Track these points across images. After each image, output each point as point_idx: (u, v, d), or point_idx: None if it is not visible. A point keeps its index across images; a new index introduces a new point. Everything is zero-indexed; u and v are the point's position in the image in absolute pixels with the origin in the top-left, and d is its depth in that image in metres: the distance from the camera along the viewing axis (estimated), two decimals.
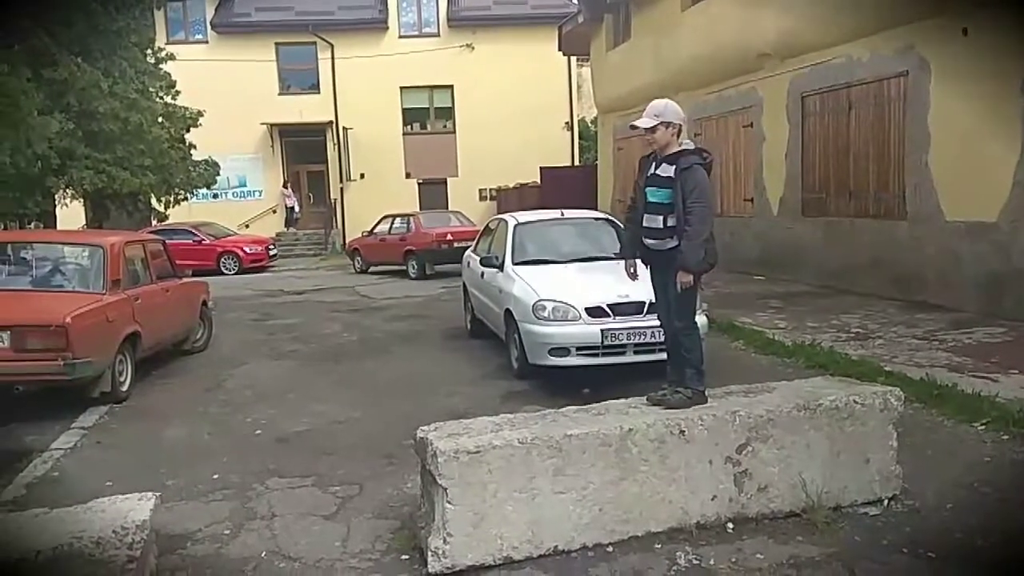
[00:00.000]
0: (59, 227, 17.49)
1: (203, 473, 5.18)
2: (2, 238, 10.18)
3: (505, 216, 9.43)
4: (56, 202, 16.50)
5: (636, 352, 6.82)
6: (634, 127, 4.59)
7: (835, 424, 4.18)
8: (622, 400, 4.38)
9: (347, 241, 26.65)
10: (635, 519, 3.88)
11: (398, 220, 19.10)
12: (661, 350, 6.83)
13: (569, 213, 9.21)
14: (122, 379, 7.22)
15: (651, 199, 4.48)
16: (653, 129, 4.41)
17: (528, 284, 7.35)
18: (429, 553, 3.61)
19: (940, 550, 3.72)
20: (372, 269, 19.50)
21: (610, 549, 3.79)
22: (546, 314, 6.92)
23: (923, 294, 9.87)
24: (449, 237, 16.82)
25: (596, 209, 15.27)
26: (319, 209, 28.07)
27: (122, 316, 7.31)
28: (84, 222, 19.69)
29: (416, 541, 3.88)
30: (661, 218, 4.43)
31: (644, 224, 4.58)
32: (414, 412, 6.21)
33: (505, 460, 3.68)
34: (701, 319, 7.19)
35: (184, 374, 8.45)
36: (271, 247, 22.97)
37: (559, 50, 22.77)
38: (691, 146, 4.48)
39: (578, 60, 26.71)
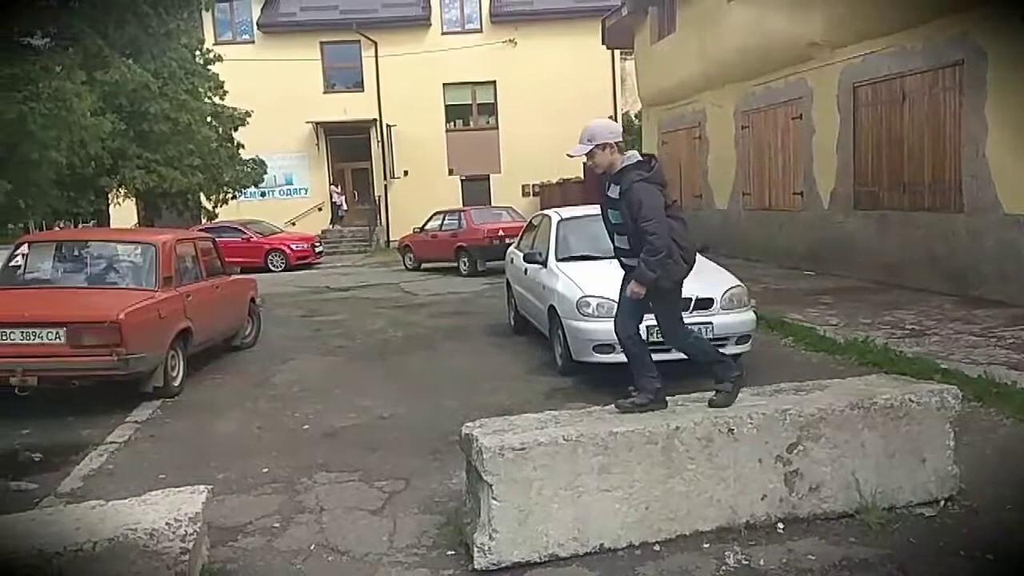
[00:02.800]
0: (112, 225, 17.99)
1: (253, 467, 5.26)
2: (58, 237, 10.47)
3: (548, 212, 9.39)
4: (109, 201, 16.95)
5: None
6: (570, 156, 4.51)
7: (890, 423, 4.07)
8: (668, 397, 4.32)
9: (393, 238, 26.96)
10: (682, 518, 3.83)
11: (449, 216, 19.09)
12: None
13: None
14: (174, 374, 7.38)
15: (612, 220, 4.39)
16: (590, 154, 4.27)
17: (572, 280, 7.31)
18: (475, 549, 3.62)
19: (998, 552, 3.60)
20: (424, 266, 19.44)
21: (657, 548, 3.75)
22: (590, 310, 6.87)
23: (980, 289, 9.58)
24: (500, 233, 16.63)
25: None
26: (363, 206, 28.36)
27: (174, 312, 7.46)
28: (136, 220, 20.18)
29: (462, 537, 3.89)
30: (625, 237, 4.33)
31: (615, 244, 4.51)
32: (458, 408, 6.24)
33: (550, 457, 3.66)
34: (748, 315, 7.12)
35: (234, 369, 8.60)
36: (317, 244, 23.26)
37: (602, 43, 22.61)
38: (634, 159, 4.28)
39: (622, 53, 26.52)
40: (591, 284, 7.13)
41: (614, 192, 4.27)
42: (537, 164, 26.10)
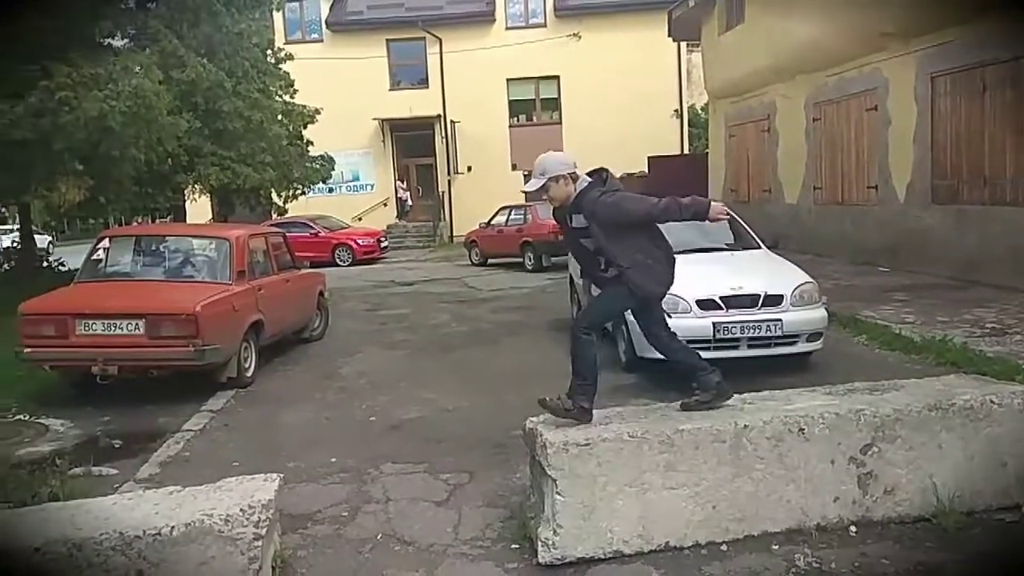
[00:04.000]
0: (188, 221, 18.60)
1: (322, 457, 5.38)
2: (137, 231, 10.87)
3: None
4: (185, 197, 17.50)
5: (751, 346, 6.63)
6: (525, 193, 4.40)
7: (969, 425, 3.92)
8: (736, 396, 4.24)
9: (457, 233, 27.15)
10: (751, 518, 3.76)
11: (515, 211, 19.09)
12: (778, 344, 6.68)
13: None
14: (247, 365, 7.59)
15: (589, 248, 4.21)
16: (544, 188, 4.12)
17: None
18: (539, 543, 3.63)
19: None
20: (490, 261, 19.44)
21: (724, 548, 3.70)
22: None
23: None
24: None
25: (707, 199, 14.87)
26: (427, 202, 28.64)
27: (247, 305, 7.68)
28: (211, 216, 20.80)
29: (526, 531, 3.90)
30: (601, 259, 4.19)
31: (591, 272, 4.38)
32: (521, 402, 6.22)
33: (615, 453, 3.64)
34: (819, 312, 6.94)
35: (303, 361, 8.80)
36: (382, 239, 23.60)
37: (668, 35, 22.28)
38: (586, 182, 4.14)
39: (688, 45, 26.09)
40: None
41: (579, 221, 4.12)
42: (601, 159, 25.25)
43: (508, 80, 27.76)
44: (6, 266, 14.36)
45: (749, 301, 6.68)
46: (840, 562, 3.55)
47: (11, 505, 3.96)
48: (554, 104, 28.43)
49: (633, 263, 4.04)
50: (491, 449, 5.36)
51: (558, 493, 3.58)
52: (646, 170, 23.39)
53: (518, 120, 28.53)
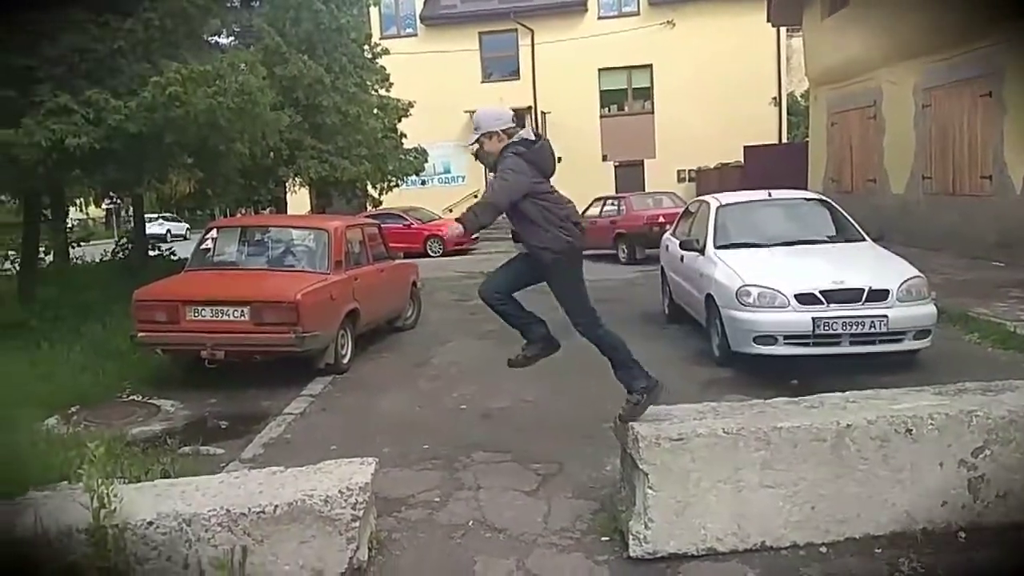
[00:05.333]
0: (289, 212, 19.24)
1: (414, 443, 5.50)
2: (242, 223, 11.33)
3: (706, 197, 9.13)
4: (286, 189, 18.13)
5: (852, 343, 6.38)
6: (466, 147, 4.42)
7: None
8: (838, 393, 4.10)
9: None
10: (852, 520, 3.63)
11: (609, 202, 18.89)
12: (882, 341, 6.41)
13: (777, 193, 8.74)
14: (343, 352, 7.82)
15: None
16: (480, 145, 4.07)
17: (731, 268, 7.08)
18: (630, 537, 3.60)
19: None
20: (584, 253, 19.30)
21: (824, 550, 3.58)
22: (751, 300, 6.63)
23: None
24: (660, 219, 15.91)
25: (806, 189, 14.38)
26: None
27: (344, 294, 7.90)
28: (310, 207, 21.47)
29: (616, 524, 3.88)
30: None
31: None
32: (611, 394, 6.12)
33: (709, 449, 3.57)
34: (928, 308, 6.61)
35: (396, 350, 9.00)
36: None
37: (767, 21, 21.60)
38: (519, 139, 4.07)
39: (788, 31, 25.25)
40: (752, 272, 6.88)
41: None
42: (694, 149, 25.42)
43: (600, 70, 27.54)
44: (121, 254, 15.21)
45: (852, 295, 6.43)
46: (947, 569, 3.38)
47: (126, 480, 4.20)
48: (646, 93, 28.03)
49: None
50: (580, 440, 5.35)
51: (650, 487, 3.54)
52: (742, 160, 22.82)
53: (609, 110, 28.27)
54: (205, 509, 3.49)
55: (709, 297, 7.29)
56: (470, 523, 4.13)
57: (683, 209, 10.58)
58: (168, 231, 35.83)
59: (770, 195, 8.64)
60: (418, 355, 8.60)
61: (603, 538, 3.86)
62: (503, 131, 4.05)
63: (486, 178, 28.51)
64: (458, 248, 22.32)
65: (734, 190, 10.53)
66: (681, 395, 5.74)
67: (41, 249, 11.42)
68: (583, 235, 4.45)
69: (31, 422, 5.55)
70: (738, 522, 3.58)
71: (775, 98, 26.94)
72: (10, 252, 11.43)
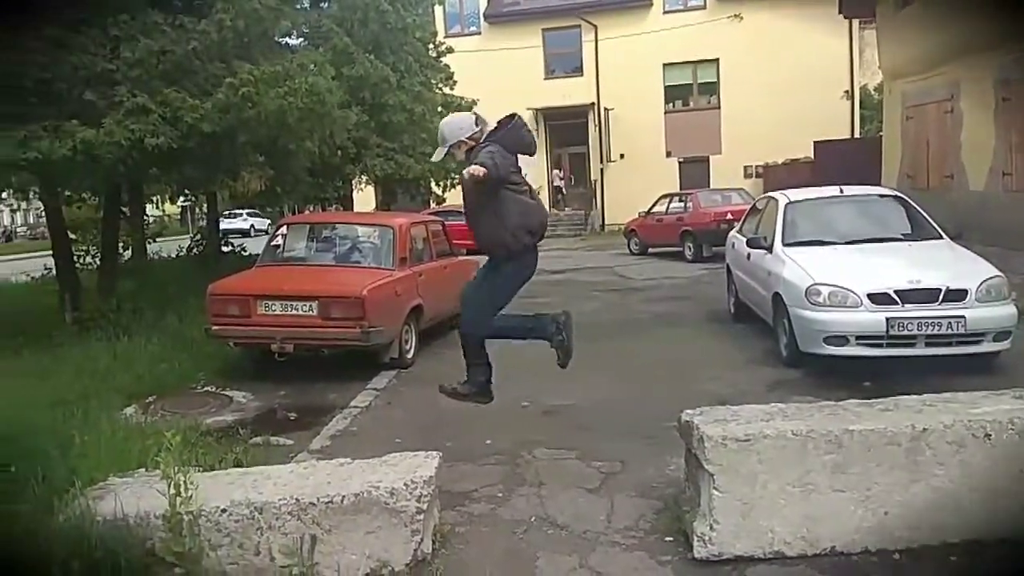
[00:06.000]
0: (355, 209, 19.59)
1: (477, 438, 5.54)
2: (310, 219, 11.58)
3: (775, 194, 8.94)
4: (353, 187, 18.46)
5: (928, 344, 6.17)
6: (435, 162, 4.35)
7: None
8: (913, 396, 3.96)
9: (609, 222, 27.02)
10: (927, 527, 3.51)
11: (676, 199, 18.64)
12: (960, 343, 6.19)
13: (848, 190, 8.50)
14: (407, 347, 7.93)
15: None
16: (452, 155, 4.17)
17: (801, 267, 6.92)
18: (695, 538, 3.56)
19: None
20: (650, 251, 19.00)
21: (897, 556, 3.47)
22: (821, 299, 6.47)
23: None
24: (729, 216, 15.52)
25: (880, 186, 13.94)
26: (579, 190, 28.66)
27: (408, 290, 8.01)
28: (375, 204, 21.82)
29: (680, 524, 3.84)
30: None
31: None
32: (674, 394, 6.14)
33: (777, 451, 3.50)
34: (1009, 309, 6.34)
35: (459, 346, 9.03)
36: None
37: (839, 13, 20.96)
38: (488, 129, 4.15)
39: (861, 23, 24.49)
40: (822, 271, 6.72)
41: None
42: (761, 144, 24.90)
43: (664, 65, 27.20)
44: (196, 250, 15.73)
45: (928, 295, 6.21)
46: None
47: (201, 469, 4.34)
48: (712, 88, 27.58)
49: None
50: (643, 439, 5.30)
51: (715, 488, 3.49)
52: (812, 156, 22.25)
53: (674, 106, 27.91)
54: (276, 498, 3.58)
55: (777, 296, 7.14)
56: (532, 519, 4.14)
57: (751, 206, 10.39)
58: (252, 226, 37.01)
59: (842, 191, 8.41)
60: None
61: (667, 538, 3.83)
62: (469, 138, 4.16)
63: (548, 174, 28.55)
64: None
65: (803, 186, 10.29)
66: (747, 396, 5.68)
67: (120, 245, 11.88)
68: (540, 237, 4.54)
69: (112, 411, 5.79)
70: (807, 526, 3.50)
71: (847, 92, 26.17)
72: (92, 247, 11.96)
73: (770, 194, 9.43)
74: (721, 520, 3.51)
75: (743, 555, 3.51)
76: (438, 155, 4.37)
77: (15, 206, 42.24)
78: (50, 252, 11.04)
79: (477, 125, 4.16)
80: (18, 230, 50.08)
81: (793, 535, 3.51)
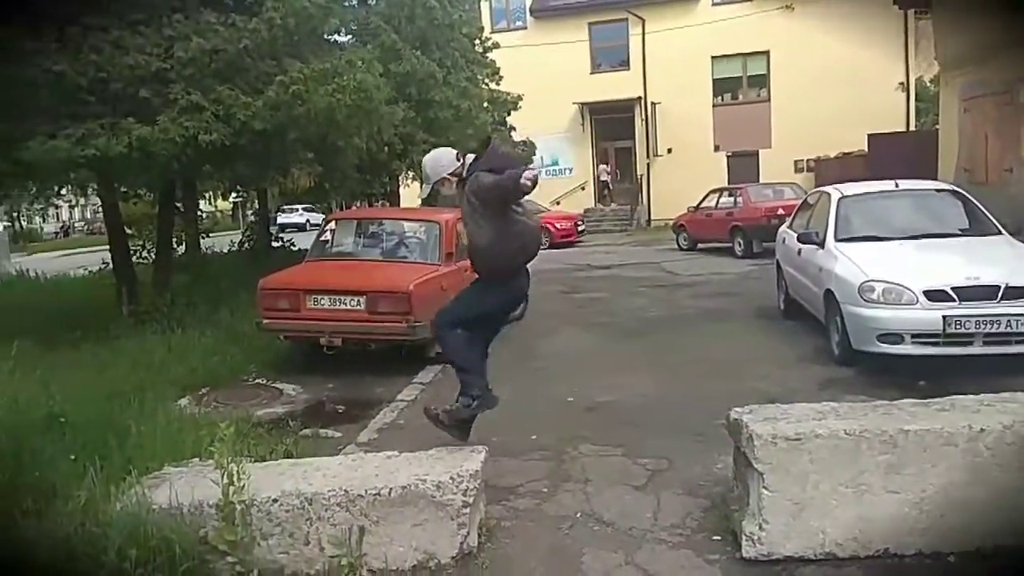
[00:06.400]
0: (401, 205, 19.77)
1: (522, 433, 5.54)
2: (358, 215, 11.71)
3: (827, 188, 8.76)
4: (399, 182, 18.61)
5: (987, 343, 5.98)
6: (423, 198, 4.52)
7: None
8: (971, 396, 3.85)
9: (655, 217, 26.78)
10: (985, 530, 3.41)
11: (725, 194, 18.35)
12: (1019, 342, 5.99)
13: (904, 184, 8.28)
14: None
15: None
16: (437, 192, 4.32)
17: (854, 263, 6.77)
18: (743, 538, 3.51)
19: None
20: (699, 246, 18.70)
21: (952, 559, 3.39)
22: (875, 296, 6.33)
23: None
24: (780, 211, 14.89)
25: (936, 180, 13.56)
26: (625, 185, 28.46)
27: (454, 285, 7.99)
28: (421, 201, 22.00)
29: (728, 523, 3.80)
30: None
31: None
32: (722, 391, 6.06)
33: (829, 451, 3.44)
34: None
35: (504, 341, 8.97)
36: (580, 223, 23.74)
37: (893, 3, 20.43)
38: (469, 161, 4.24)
39: (916, 12, 23.80)
40: (876, 267, 6.57)
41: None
42: (812, 138, 24.37)
43: (713, 58, 26.82)
44: (247, 245, 16.05)
45: (987, 293, 6.02)
46: None
47: (252, 459, 4.42)
48: (762, 81, 27.11)
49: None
50: (690, 436, 5.25)
51: (765, 488, 3.44)
52: (866, 149, 21.75)
53: (722, 99, 27.51)
54: (325, 489, 3.64)
55: (829, 293, 7.00)
56: (578, 515, 4.14)
57: (802, 200, 10.19)
58: (308, 220, 37.69)
59: (897, 185, 8.20)
60: (525, 346, 8.65)
61: (714, 537, 3.79)
62: (451, 173, 4.27)
63: (594, 169, 28.44)
64: (565, 241, 22.31)
65: (857, 180, 10.05)
66: (797, 394, 5.58)
67: (174, 240, 12.18)
68: (533, 257, 4.60)
69: (167, 402, 5.95)
70: (860, 527, 3.43)
71: (902, 83, 25.48)
72: (147, 242, 12.28)
73: (822, 188, 9.24)
74: (771, 520, 3.46)
75: (793, 556, 3.46)
76: (424, 192, 4.50)
77: (73, 202, 43.52)
78: (106, 247, 11.36)
79: (458, 160, 4.27)
80: (76, 225, 51.69)
81: (845, 536, 3.44)
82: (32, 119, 7.83)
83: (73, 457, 4.37)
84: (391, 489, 3.63)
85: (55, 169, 8.37)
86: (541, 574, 3.60)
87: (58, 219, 49.32)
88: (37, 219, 39.32)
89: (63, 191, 12.02)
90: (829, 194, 8.23)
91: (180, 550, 3.36)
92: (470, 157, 4.36)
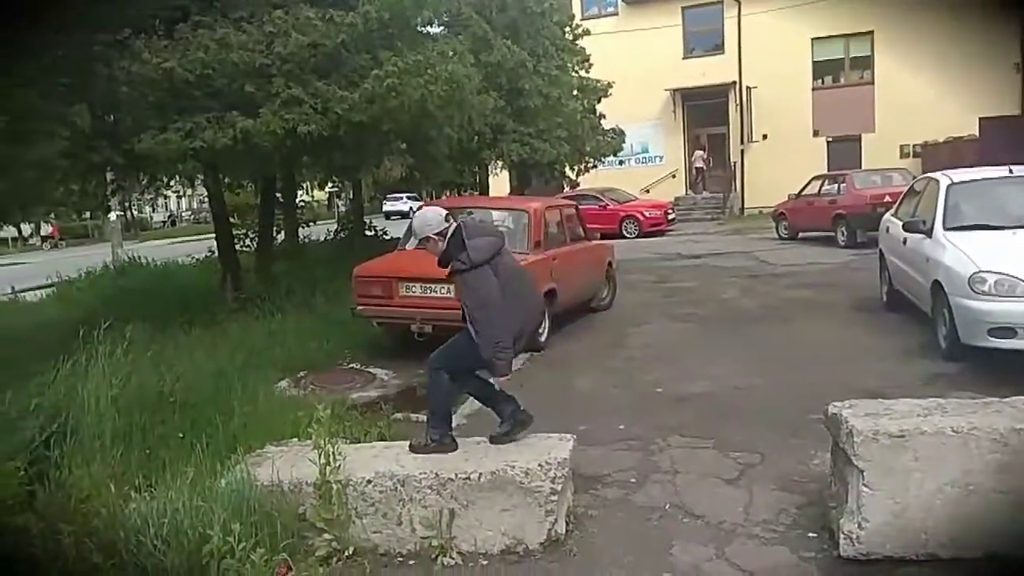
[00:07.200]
0: (490, 194, 19.93)
1: (610, 423, 5.53)
2: (448, 204, 11.86)
3: (935, 175, 8.33)
4: (488, 172, 18.74)
5: None
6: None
7: None
8: None
9: (748, 205, 26.11)
10: None
11: (828, 181, 17.65)
12: None
13: (1018, 170, 7.77)
14: (541, 331, 7.98)
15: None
16: (423, 246, 4.27)
17: (964, 253, 6.43)
18: (841, 536, 3.41)
19: None
20: (800, 235, 17.96)
21: None
22: (986, 288, 6.00)
23: None
24: (887, 199, 13.59)
25: None
26: (718, 172, 27.80)
27: (542, 274, 8.05)
28: (509, 189, 22.10)
29: (825, 521, 3.69)
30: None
31: None
32: (820, 385, 5.87)
33: (935, 449, 3.30)
34: None
35: (591, 330, 9.06)
36: (670, 211, 23.36)
37: None
38: (448, 236, 4.16)
39: None
40: (988, 258, 6.23)
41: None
42: (919, 121, 23.18)
43: (812, 40, 25.82)
44: (343, 234, 16.51)
45: None
46: None
47: (348, 441, 4.57)
48: (865, 63, 25.94)
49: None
50: (784, 431, 5.12)
51: (865, 485, 3.33)
52: (977, 133, 20.57)
53: (823, 82, 26.48)
54: (417, 472, 3.74)
55: (936, 284, 6.68)
56: (667, 506, 4.10)
57: (907, 187, 9.72)
58: (411, 208, 38.53)
59: (1011, 171, 7.71)
60: (613, 336, 8.61)
61: (810, 534, 3.69)
62: (436, 234, 4.23)
63: (686, 157, 27.91)
64: (655, 229, 22.01)
65: (967, 167, 9.52)
66: (901, 389, 5.36)
67: (274, 228, 12.64)
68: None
69: (267, 384, 6.20)
70: (966, 529, 3.27)
71: (1018, 64, 23.91)
72: (249, 231, 12.80)
73: (930, 175, 8.80)
74: (871, 518, 3.34)
75: (893, 556, 3.34)
76: (411, 245, 4.50)
77: (180, 192, 45.76)
78: (211, 236, 11.90)
79: (447, 221, 4.27)
80: (183, 215, 54.31)
81: (949, 537, 3.30)
82: (144, 114, 8.27)
83: (182, 435, 4.63)
84: (480, 474, 3.69)
85: (165, 161, 8.81)
86: (630, 563, 3.59)
87: (166, 209, 51.84)
88: (147, 209, 41.45)
89: (172, 182, 12.62)
90: (938, 180, 7.82)
91: (281, 526, 3.51)
92: (451, 226, 4.25)
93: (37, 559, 3.17)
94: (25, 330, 9.73)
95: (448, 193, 23.48)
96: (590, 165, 19.67)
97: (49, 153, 7.27)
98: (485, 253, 4.11)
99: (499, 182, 22.03)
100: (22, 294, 13.09)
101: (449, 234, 4.18)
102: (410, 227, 4.66)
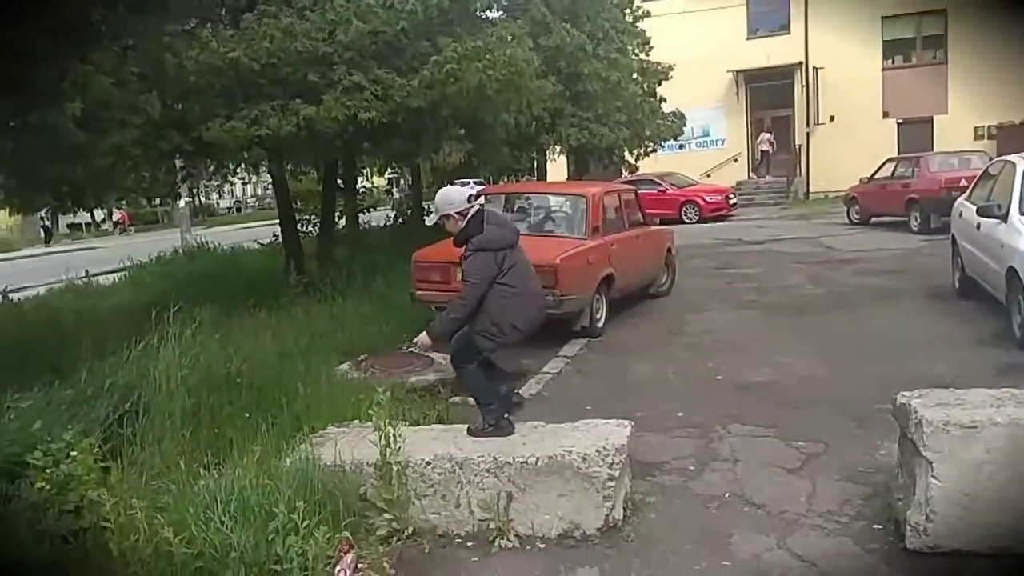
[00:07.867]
0: (548, 179, 19.88)
1: (668, 410, 5.48)
2: (505, 190, 11.88)
3: (1012, 157, 7.98)
4: (546, 157, 18.66)
5: None
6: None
7: None
8: None
9: (814, 189, 25.46)
10: None
11: (902, 164, 17.03)
12: None
13: None
14: (598, 316, 7.97)
15: None
16: (442, 224, 4.33)
17: None
18: (908, 528, 3.32)
19: None
20: (873, 220, 17.34)
21: None
22: None
23: None
24: (963, 183, 12.62)
25: None
26: (782, 156, 27.12)
27: (600, 259, 8.02)
28: (567, 174, 22.00)
29: (891, 512, 3.61)
30: None
31: None
32: (887, 375, 5.71)
33: (1009, 440, 3.19)
34: None
35: (650, 316, 8.98)
36: (731, 196, 22.91)
37: None
38: (468, 218, 4.22)
39: None
40: None
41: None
42: (995, 102, 22.21)
43: (883, 18, 24.93)
44: (401, 220, 16.70)
45: None
46: None
47: (407, 423, 4.64)
48: (938, 42, 24.93)
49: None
50: (849, 421, 5.01)
51: (934, 477, 3.23)
52: None
53: (893, 62, 25.57)
54: (475, 455, 3.77)
55: (1011, 271, 6.42)
56: (726, 495, 4.06)
57: (982, 171, 9.33)
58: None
59: None
60: (672, 322, 8.52)
61: (875, 526, 3.61)
62: (457, 213, 4.26)
63: (749, 141, 27.33)
64: (715, 214, 21.64)
65: None
66: (972, 379, 5.15)
67: (335, 214, 12.85)
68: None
69: (329, 366, 6.33)
70: None
71: None
72: (312, 217, 13.04)
73: (1006, 157, 8.43)
74: (939, 511, 3.25)
75: (962, 549, 3.24)
76: (432, 219, 4.59)
77: (246, 179, 46.82)
78: (274, 221, 12.16)
79: (469, 201, 4.32)
80: (248, 201, 55.62)
81: (1022, 531, 3.18)
82: (211, 102, 8.48)
83: (248, 415, 4.77)
84: (538, 458, 3.70)
85: (232, 148, 9.02)
86: (688, 551, 3.57)
87: (232, 195, 53.11)
88: (214, 195, 42.53)
89: (237, 169, 12.92)
90: (1014, 163, 7.49)
91: (343, 505, 3.59)
92: (474, 208, 4.30)
93: (111, 533, 3.31)
94: (103, 312, 10.12)
95: (506, 179, 23.49)
96: (649, 149, 19.42)
97: (123, 141, 7.52)
98: (496, 242, 4.20)
99: (557, 168, 21.93)
100: (96, 278, 13.60)
101: (470, 215, 4.24)
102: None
